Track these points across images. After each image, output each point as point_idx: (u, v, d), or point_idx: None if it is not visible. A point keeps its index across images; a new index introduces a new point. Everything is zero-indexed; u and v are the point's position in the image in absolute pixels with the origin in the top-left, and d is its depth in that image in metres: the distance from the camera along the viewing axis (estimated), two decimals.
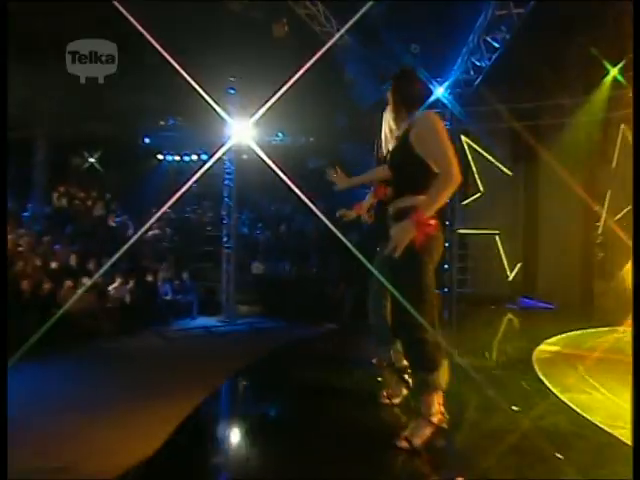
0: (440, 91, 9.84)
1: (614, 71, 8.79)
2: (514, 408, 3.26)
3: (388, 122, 2.85)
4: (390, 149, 2.73)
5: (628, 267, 8.91)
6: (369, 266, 3.12)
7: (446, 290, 10.60)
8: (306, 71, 5.14)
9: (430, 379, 2.42)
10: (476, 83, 9.55)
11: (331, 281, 10.80)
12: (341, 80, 10.30)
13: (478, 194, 10.46)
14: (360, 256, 3.34)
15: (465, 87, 9.83)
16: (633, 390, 2.19)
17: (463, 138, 10.40)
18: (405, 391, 3.12)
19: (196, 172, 8.44)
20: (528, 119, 9.76)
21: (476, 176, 10.45)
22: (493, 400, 3.36)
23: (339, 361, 4.51)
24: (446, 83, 9.88)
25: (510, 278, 10.38)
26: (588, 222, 9.41)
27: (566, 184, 8.12)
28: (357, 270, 3.94)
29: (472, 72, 9.52)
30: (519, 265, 10.35)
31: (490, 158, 10.38)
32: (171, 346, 8.72)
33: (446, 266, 10.66)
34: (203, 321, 10.17)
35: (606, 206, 8.98)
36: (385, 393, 3.17)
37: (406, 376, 3.04)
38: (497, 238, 10.40)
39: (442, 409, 2.50)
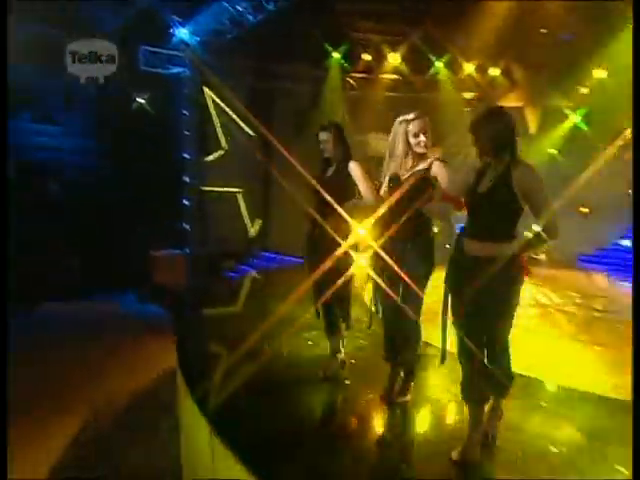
0: (184, 32, 9.20)
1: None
2: None
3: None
4: (477, 184, 2.42)
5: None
6: None
7: (187, 251, 10.39)
8: None
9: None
10: (230, 36, 9.23)
11: None
12: None
13: (221, 151, 10.34)
14: None
15: (216, 37, 9.41)
16: (633, 390, 2.17)
17: (206, 90, 10.01)
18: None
19: None
20: (276, 81, 10.13)
21: (219, 131, 10.27)
22: None
23: None
24: (191, 27, 9.28)
25: (252, 232, 10.80)
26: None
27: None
28: None
29: (229, 24, 9.13)
30: (258, 222, 10.83)
31: (234, 116, 10.32)
32: None
33: (187, 226, 10.42)
34: None
35: None
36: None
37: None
38: (239, 197, 10.59)
39: None
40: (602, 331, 5.58)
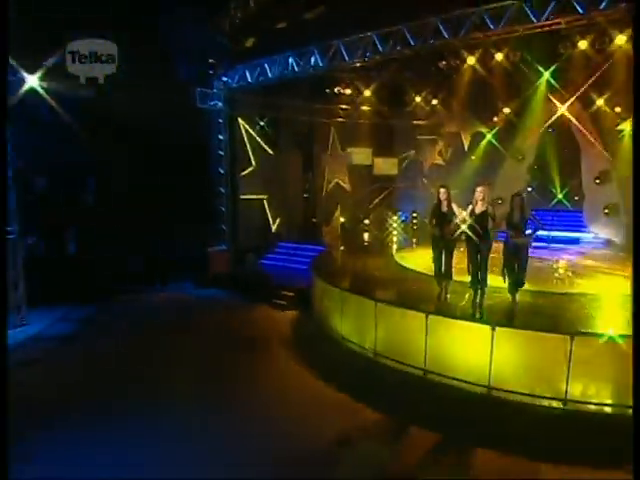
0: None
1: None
2: None
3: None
4: None
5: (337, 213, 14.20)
6: None
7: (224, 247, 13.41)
8: None
9: None
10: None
11: None
12: None
13: (251, 168, 13.43)
14: None
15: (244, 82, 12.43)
16: (633, 390, 2.33)
17: (240, 121, 13.02)
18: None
19: None
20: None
21: (250, 154, 13.34)
22: None
23: None
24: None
25: (273, 228, 14.09)
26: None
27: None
28: None
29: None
30: (278, 220, 14.15)
31: (259, 140, 13.44)
32: None
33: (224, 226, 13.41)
34: None
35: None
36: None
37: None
38: (265, 202, 13.80)
39: None
40: None
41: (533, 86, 13.50)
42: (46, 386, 6.86)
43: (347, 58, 10.38)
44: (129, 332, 9.35)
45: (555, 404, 5.74)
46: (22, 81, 8.89)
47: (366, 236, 13.96)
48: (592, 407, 5.68)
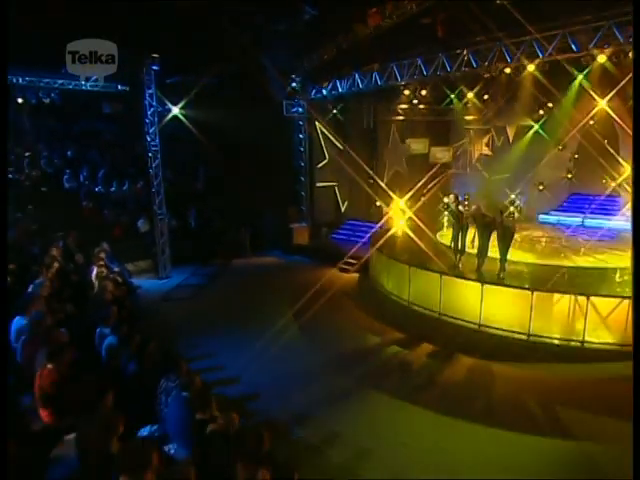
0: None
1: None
2: None
3: None
4: None
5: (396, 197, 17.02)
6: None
7: (304, 224, 17.00)
8: None
9: None
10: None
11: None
12: None
13: (325, 161, 16.83)
14: None
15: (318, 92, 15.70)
16: (633, 390, 2.39)
17: (317, 123, 16.39)
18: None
19: None
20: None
21: (324, 149, 16.72)
22: None
23: None
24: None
25: (342, 209, 17.52)
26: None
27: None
28: None
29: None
30: (346, 202, 17.52)
31: (331, 138, 16.75)
32: None
33: (303, 208, 16.99)
34: None
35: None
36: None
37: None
38: (336, 188, 17.22)
39: None
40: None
41: (575, 82, 15.26)
42: (190, 313, 10.86)
43: (399, 78, 13.28)
44: (240, 283, 13.38)
45: (522, 337, 8.76)
46: (168, 111, 12.90)
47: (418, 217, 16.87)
48: (546, 339, 8.63)
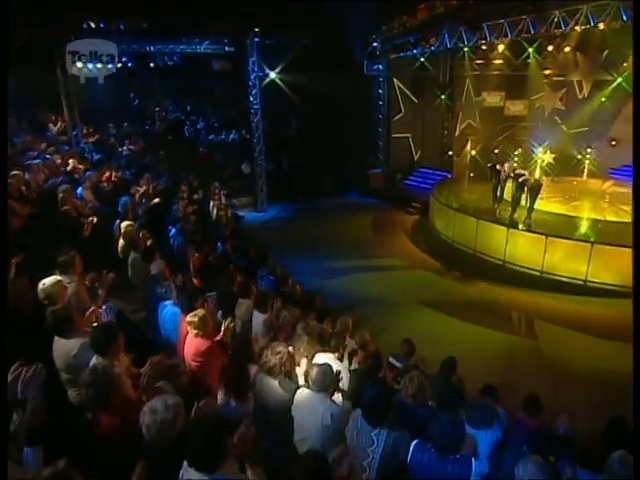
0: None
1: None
2: None
3: None
4: None
5: (467, 148, 18.52)
6: None
7: (380, 170, 19.34)
8: None
9: None
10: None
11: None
12: None
13: (401, 114, 18.77)
14: None
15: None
16: (633, 390, 2.51)
17: (394, 80, 18.26)
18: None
19: None
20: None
21: (400, 103, 18.61)
22: None
23: None
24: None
25: (415, 158, 19.57)
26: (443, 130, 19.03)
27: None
28: None
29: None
30: (419, 152, 19.49)
31: (407, 92, 18.55)
32: None
33: (380, 156, 19.28)
34: None
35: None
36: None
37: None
38: (410, 139, 19.21)
39: None
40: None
41: None
42: (283, 239, 14.07)
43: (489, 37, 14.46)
44: (323, 217, 16.34)
45: (536, 273, 10.83)
46: (266, 75, 15.70)
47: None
48: (556, 276, 10.62)
